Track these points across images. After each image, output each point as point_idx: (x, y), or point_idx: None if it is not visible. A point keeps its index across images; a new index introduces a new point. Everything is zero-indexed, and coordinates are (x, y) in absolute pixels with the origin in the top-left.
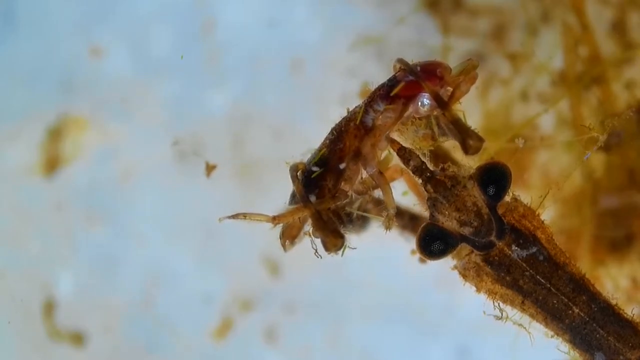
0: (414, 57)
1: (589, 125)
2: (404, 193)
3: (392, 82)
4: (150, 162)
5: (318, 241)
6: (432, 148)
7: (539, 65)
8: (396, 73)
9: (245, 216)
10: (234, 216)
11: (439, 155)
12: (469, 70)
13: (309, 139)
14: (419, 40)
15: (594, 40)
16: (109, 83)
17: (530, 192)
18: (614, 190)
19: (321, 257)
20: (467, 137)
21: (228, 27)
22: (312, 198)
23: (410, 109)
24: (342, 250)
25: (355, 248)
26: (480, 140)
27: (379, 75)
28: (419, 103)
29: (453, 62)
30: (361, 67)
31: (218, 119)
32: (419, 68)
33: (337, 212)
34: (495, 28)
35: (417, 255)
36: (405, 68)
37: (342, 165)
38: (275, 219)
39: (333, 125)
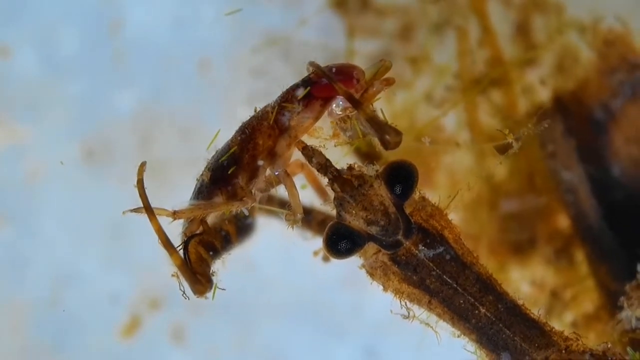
0: (321, 57)
1: (505, 131)
2: (303, 186)
3: (306, 83)
4: (58, 162)
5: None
6: (343, 144)
7: (443, 67)
8: (310, 74)
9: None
10: (137, 209)
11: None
12: (382, 72)
13: (217, 139)
14: (327, 40)
15: (496, 42)
16: (16, 83)
17: (438, 193)
18: (514, 194)
19: (189, 299)
20: (384, 134)
21: (135, 27)
22: (219, 199)
23: (327, 110)
24: (212, 292)
25: (224, 289)
26: (398, 134)
27: (287, 75)
28: (334, 104)
29: (359, 62)
30: (268, 67)
31: (125, 119)
32: (334, 70)
33: (210, 242)
34: (401, 29)
35: (320, 255)
36: (319, 71)
37: (260, 163)
38: (175, 214)
39: (241, 123)
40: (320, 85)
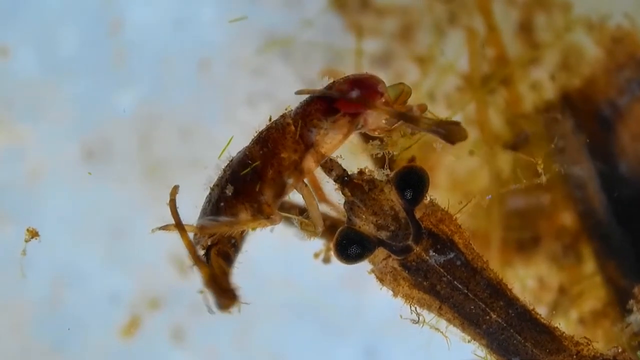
0: (322, 57)
1: (538, 161)
2: None
3: (329, 97)
4: (58, 162)
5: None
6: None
7: (446, 66)
8: (331, 86)
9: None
10: (165, 227)
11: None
12: (403, 98)
13: (217, 139)
14: (327, 40)
15: (501, 41)
16: (16, 83)
17: (437, 193)
18: (520, 191)
19: (214, 313)
20: (448, 133)
21: (135, 27)
22: (244, 215)
23: (357, 126)
24: (238, 307)
25: (249, 303)
26: (460, 129)
27: (287, 75)
28: (363, 120)
29: (364, 61)
30: (269, 68)
31: (125, 119)
32: (360, 84)
33: (226, 252)
34: (402, 28)
35: (321, 257)
36: (347, 96)
37: (289, 181)
38: (201, 230)
39: (257, 134)
40: (347, 101)
